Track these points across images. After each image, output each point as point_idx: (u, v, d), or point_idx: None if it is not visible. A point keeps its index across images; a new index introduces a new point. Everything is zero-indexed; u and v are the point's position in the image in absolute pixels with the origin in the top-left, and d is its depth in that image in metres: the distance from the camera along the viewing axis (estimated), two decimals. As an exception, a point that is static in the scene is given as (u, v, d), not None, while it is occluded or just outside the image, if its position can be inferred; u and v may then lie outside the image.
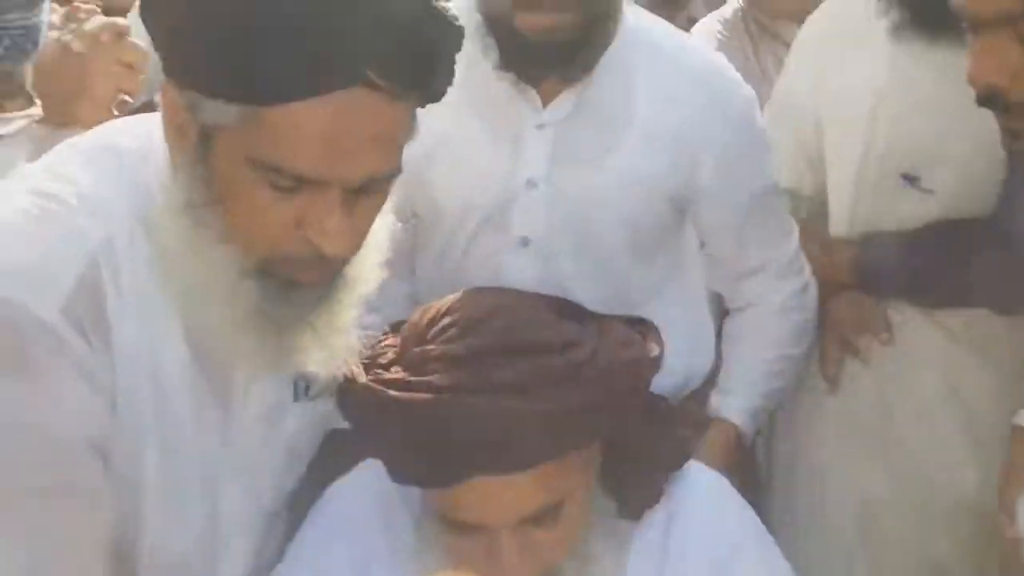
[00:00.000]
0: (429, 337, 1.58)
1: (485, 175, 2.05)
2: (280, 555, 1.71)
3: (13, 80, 2.01)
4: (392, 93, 1.30)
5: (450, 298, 1.65)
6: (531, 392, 1.49)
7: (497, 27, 1.94)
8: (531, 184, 2.03)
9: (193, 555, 1.56)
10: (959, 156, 2.20)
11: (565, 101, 2.01)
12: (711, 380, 2.25)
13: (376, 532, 1.69)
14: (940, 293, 2.28)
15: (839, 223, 2.36)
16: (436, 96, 1.37)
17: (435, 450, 1.51)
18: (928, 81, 2.20)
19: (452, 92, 1.97)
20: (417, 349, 1.58)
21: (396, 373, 1.56)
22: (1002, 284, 2.16)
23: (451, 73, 1.37)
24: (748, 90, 2.13)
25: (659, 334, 1.65)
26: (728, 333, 2.26)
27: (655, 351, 1.61)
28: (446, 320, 1.59)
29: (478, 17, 1.97)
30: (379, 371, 1.57)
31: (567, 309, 1.67)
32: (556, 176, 2.03)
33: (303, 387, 1.62)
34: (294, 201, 1.33)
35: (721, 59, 2.16)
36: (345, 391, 1.58)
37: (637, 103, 2.03)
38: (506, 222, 2.06)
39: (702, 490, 1.71)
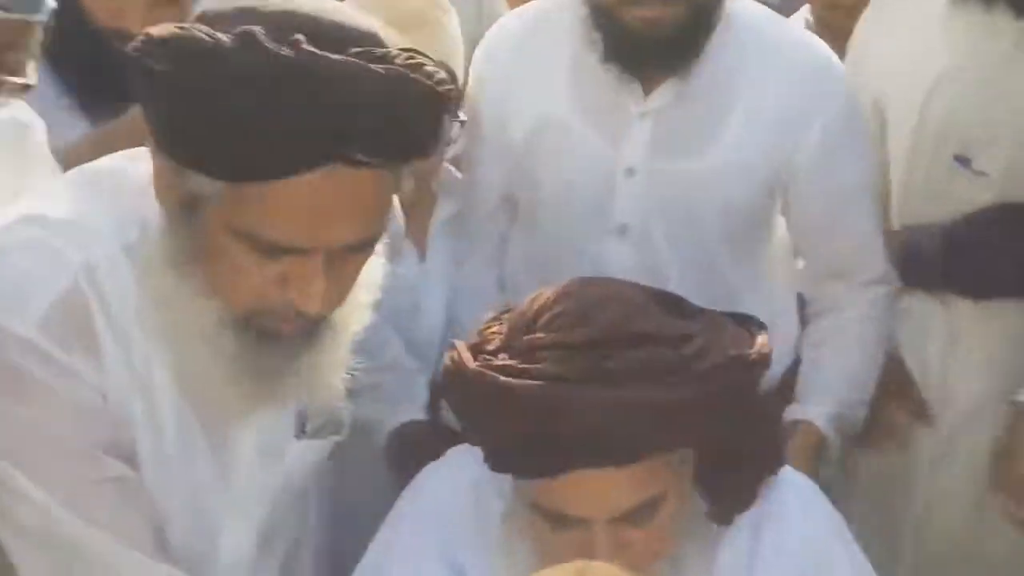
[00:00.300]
0: (539, 325, 1.56)
1: (586, 162, 2.10)
2: None
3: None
4: (370, 165, 1.31)
5: (557, 287, 1.63)
6: (643, 383, 1.48)
7: (604, 20, 2.01)
8: (630, 172, 2.08)
9: None
10: (1013, 137, 2.15)
11: (667, 90, 2.06)
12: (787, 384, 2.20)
13: (467, 519, 1.67)
14: (987, 282, 2.23)
15: (893, 209, 2.30)
16: (420, 159, 1.39)
17: (542, 439, 1.48)
18: (983, 61, 2.16)
19: (555, 78, 2.11)
20: (526, 337, 1.56)
21: (504, 360, 1.54)
22: None
23: (435, 136, 1.37)
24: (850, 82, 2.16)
25: (767, 333, 1.61)
26: (810, 338, 2.23)
27: (765, 350, 1.58)
28: (556, 309, 1.57)
29: (585, 10, 2.03)
30: (487, 357, 1.56)
31: (673, 303, 1.65)
32: (656, 164, 2.07)
33: (301, 424, 1.62)
34: (277, 263, 1.35)
35: (827, 48, 2.16)
36: (452, 376, 1.58)
37: (740, 89, 2.06)
38: (605, 209, 2.10)
39: (793, 494, 1.67)
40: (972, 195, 2.19)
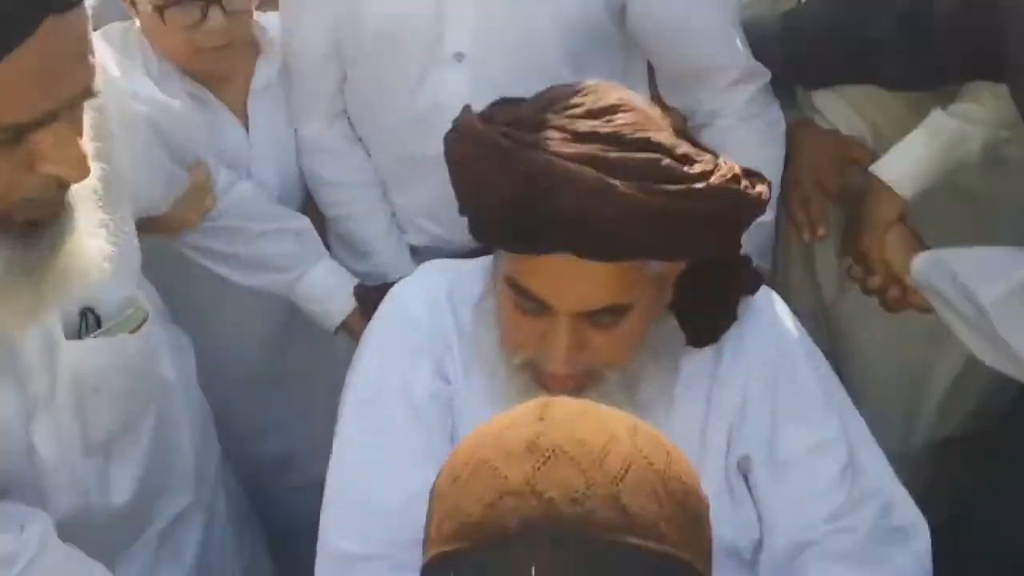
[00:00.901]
0: (554, 108, 1.56)
1: None
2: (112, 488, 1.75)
3: None
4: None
5: (574, 84, 1.63)
6: (640, 182, 1.47)
7: None
8: None
9: (18, 488, 1.61)
10: None
11: None
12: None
13: (447, 325, 1.72)
14: (827, 70, 2.21)
15: None
16: None
17: (532, 212, 1.49)
18: None
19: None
20: (536, 115, 1.55)
21: (511, 130, 1.54)
22: (894, 60, 2.07)
23: None
24: None
25: (768, 183, 1.62)
26: None
27: (765, 196, 1.59)
28: (574, 100, 1.57)
29: None
30: (496, 125, 1.55)
31: (688, 136, 1.66)
32: None
33: (78, 324, 1.62)
34: (19, 148, 1.29)
35: None
36: (457, 136, 1.59)
37: None
38: (438, 37, 2.01)
39: (757, 306, 1.73)
40: None
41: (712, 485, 1.64)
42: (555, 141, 1.50)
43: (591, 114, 1.54)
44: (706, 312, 1.68)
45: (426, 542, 1.10)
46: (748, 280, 1.74)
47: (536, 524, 1.01)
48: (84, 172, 1.33)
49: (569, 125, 1.53)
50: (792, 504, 1.67)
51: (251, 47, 2.23)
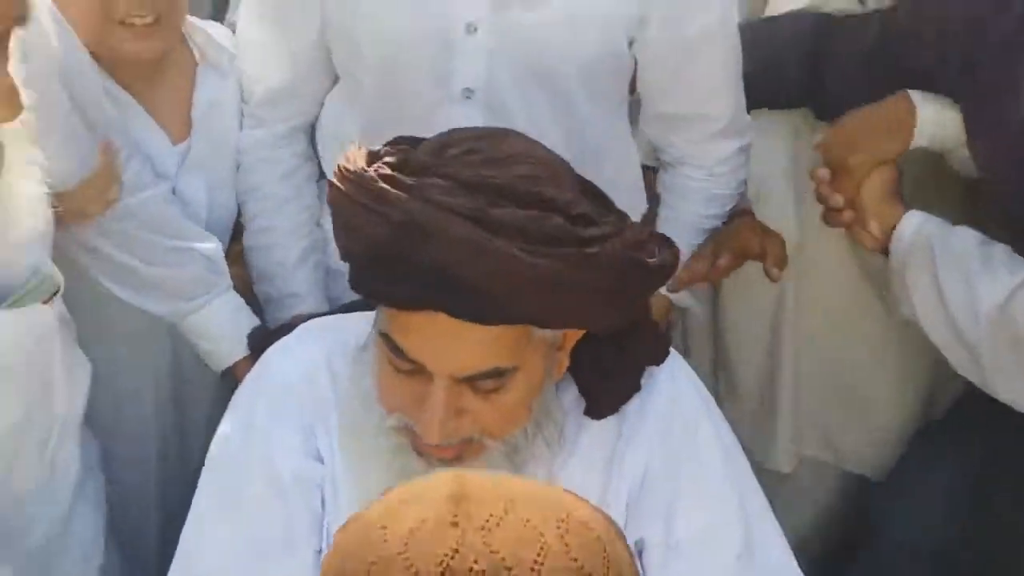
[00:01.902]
0: (445, 155, 1.45)
1: (417, 18, 1.83)
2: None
3: None
4: None
5: (485, 128, 1.57)
6: (525, 244, 1.36)
7: None
8: (470, 28, 1.82)
9: None
10: None
11: None
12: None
13: (323, 391, 1.58)
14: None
15: None
16: None
17: (401, 265, 1.39)
18: None
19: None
20: (426, 158, 1.45)
21: (395, 173, 1.42)
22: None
23: None
24: None
25: (676, 254, 1.52)
26: (661, 187, 2.12)
27: (668, 262, 1.49)
28: (468, 145, 1.46)
29: None
30: (380, 165, 1.44)
31: (596, 192, 1.53)
32: (499, 18, 1.82)
33: None
34: None
35: None
36: (339, 174, 1.46)
37: None
38: (445, 73, 1.85)
39: (658, 373, 1.61)
40: None
41: None
42: (437, 188, 1.39)
43: (486, 162, 1.43)
44: (607, 383, 1.56)
45: None
46: (656, 349, 1.62)
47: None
48: (15, 110, 1.23)
49: (458, 173, 1.41)
50: None
51: (187, 54, 2.00)
